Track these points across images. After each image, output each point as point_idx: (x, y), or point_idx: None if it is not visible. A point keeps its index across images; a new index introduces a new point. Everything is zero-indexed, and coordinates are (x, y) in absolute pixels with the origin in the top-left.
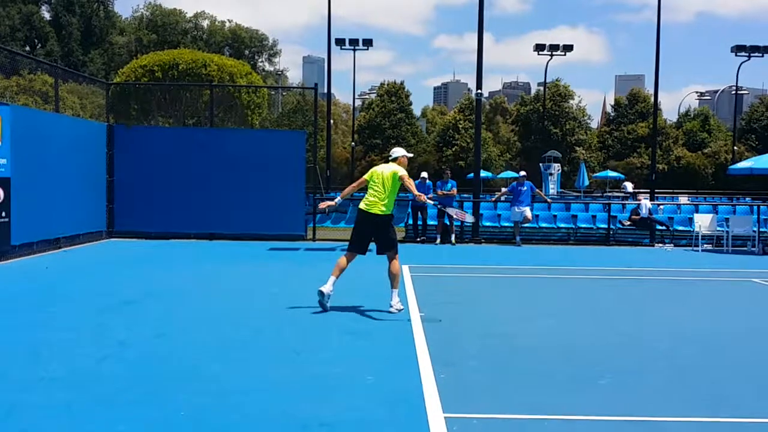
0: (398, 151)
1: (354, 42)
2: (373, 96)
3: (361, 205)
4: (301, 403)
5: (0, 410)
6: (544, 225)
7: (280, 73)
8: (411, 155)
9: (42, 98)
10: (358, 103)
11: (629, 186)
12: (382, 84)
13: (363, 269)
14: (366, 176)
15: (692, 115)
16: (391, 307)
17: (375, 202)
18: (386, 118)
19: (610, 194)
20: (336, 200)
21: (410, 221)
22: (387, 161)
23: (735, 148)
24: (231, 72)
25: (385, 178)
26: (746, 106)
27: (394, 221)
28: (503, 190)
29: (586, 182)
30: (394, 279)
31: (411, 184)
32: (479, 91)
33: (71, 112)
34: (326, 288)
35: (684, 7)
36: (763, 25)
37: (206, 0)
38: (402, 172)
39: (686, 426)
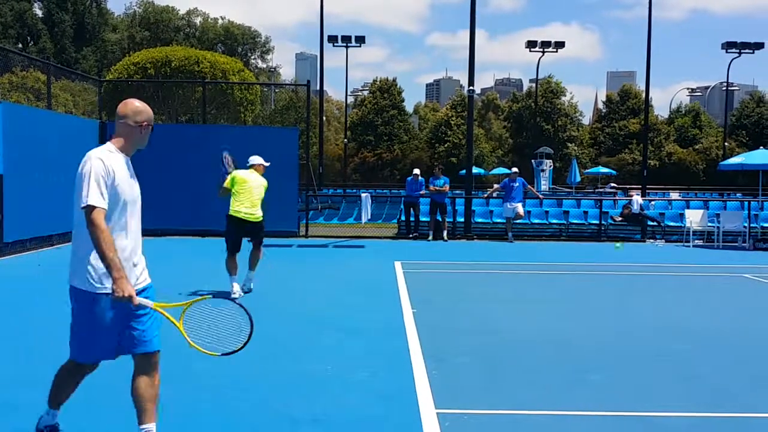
0: (258, 159)
1: (346, 39)
2: (365, 93)
3: (241, 214)
4: (293, 400)
5: None
6: (536, 221)
7: (272, 70)
8: (268, 164)
9: (34, 95)
10: (350, 99)
11: (613, 184)
12: (374, 81)
13: (356, 267)
14: (229, 183)
15: (683, 112)
16: (243, 286)
17: (255, 211)
18: (378, 114)
19: (601, 190)
20: None
21: (402, 217)
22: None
23: (726, 144)
24: (224, 69)
25: (257, 186)
26: (737, 102)
27: (387, 218)
28: (495, 186)
29: (578, 178)
30: (256, 262)
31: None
32: (471, 87)
33: (64, 109)
34: (236, 292)
35: (677, 4)
36: (756, 22)
37: None
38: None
39: (679, 421)
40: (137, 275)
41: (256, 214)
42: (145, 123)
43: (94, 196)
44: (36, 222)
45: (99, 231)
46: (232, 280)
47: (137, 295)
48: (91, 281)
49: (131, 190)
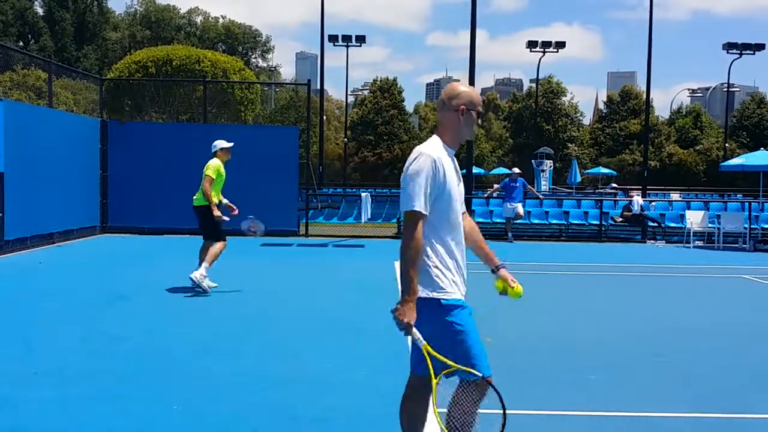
0: (216, 144)
1: (347, 38)
2: (365, 92)
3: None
4: (293, 398)
5: None
6: (536, 221)
7: (273, 69)
8: (230, 144)
9: (35, 93)
10: (350, 99)
11: (614, 184)
12: (374, 80)
13: (358, 266)
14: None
15: (684, 112)
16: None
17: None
18: (379, 114)
19: (602, 191)
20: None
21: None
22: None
23: (726, 145)
24: (224, 68)
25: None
26: (738, 103)
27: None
28: (495, 186)
29: (578, 179)
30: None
31: (207, 189)
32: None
33: (65, 107)
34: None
35: (680, 5)
36: (759, 23)
37: None
38: (208, 171)
39: (679, 421)
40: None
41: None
42: (463, 107)
43: (419, 200)
44: (37, 220)
45: (415, 241)
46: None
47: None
48: (442, 287)
49: (459, 189)
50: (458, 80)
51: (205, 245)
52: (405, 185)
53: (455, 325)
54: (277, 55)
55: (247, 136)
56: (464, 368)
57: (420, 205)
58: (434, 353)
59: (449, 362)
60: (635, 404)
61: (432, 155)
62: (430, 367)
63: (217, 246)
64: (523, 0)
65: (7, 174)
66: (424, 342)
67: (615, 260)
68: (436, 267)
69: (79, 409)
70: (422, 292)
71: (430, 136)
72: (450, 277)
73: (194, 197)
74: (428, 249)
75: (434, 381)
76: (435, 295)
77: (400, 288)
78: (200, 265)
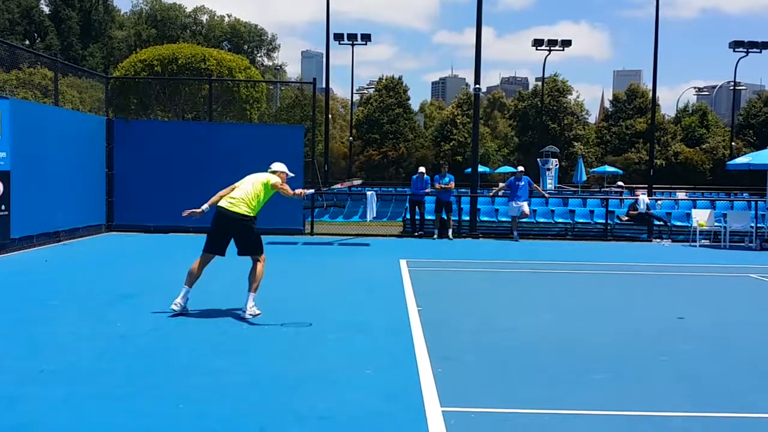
0: (279, 166)
1: (352, 37)
2: (371, 91)
3: (223, 203)
4: (299, 397)
5: None
6: (541, 220)
7: (278, 67)
8: (292, 175)
9: (41, 92)
10: (356, 97)
11: (620, 183)
12: (380, 79)
13: (361, 265)
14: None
15: (690, 111)
16: (245, 312)
17: (236, 203)
18: (384, 113)
19: (607, 189)
20: (203, 207)
21: (408, 216)
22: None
23: (733, 143)
24: (230, 66)
25: (256, 181)
26: (744, 101)
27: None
28: (501, 185)
29: (584, 177)
30: (253, 282)
31: (284, 188)
32: (477, 86)
33: (71, 105)
34: (178, 302)
35: (688, 4)
36: (766, 21)
37: None
38: (274, 180)
39: (685, 421)
40: None
41: (236, 206)
42: None
43: None
44: (43, 218)
45: None
46: (182, 289)
47: None
48: None
49: None
50: (463, 78)
51: (253, 266)
52: None
53: None
54: (283, 54)
55: (253, 135)
56: None
57: None
58: None
59: None
60: (640, 404)
61: None
62: None
63: (262, 262)
64: None
65: (13, 172)
66: None
67: (621, 259)
68: None
69: (85, 407)
70: None
71: (435, 134)
72: None
73: (239, 206)
74: None
75: None
76: None
77: None
78: (249, 292)
